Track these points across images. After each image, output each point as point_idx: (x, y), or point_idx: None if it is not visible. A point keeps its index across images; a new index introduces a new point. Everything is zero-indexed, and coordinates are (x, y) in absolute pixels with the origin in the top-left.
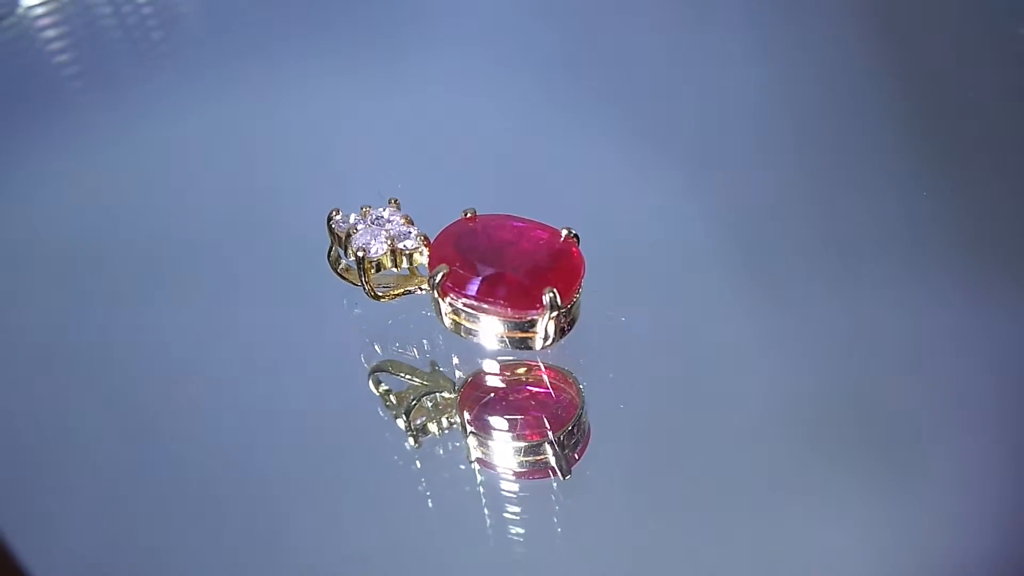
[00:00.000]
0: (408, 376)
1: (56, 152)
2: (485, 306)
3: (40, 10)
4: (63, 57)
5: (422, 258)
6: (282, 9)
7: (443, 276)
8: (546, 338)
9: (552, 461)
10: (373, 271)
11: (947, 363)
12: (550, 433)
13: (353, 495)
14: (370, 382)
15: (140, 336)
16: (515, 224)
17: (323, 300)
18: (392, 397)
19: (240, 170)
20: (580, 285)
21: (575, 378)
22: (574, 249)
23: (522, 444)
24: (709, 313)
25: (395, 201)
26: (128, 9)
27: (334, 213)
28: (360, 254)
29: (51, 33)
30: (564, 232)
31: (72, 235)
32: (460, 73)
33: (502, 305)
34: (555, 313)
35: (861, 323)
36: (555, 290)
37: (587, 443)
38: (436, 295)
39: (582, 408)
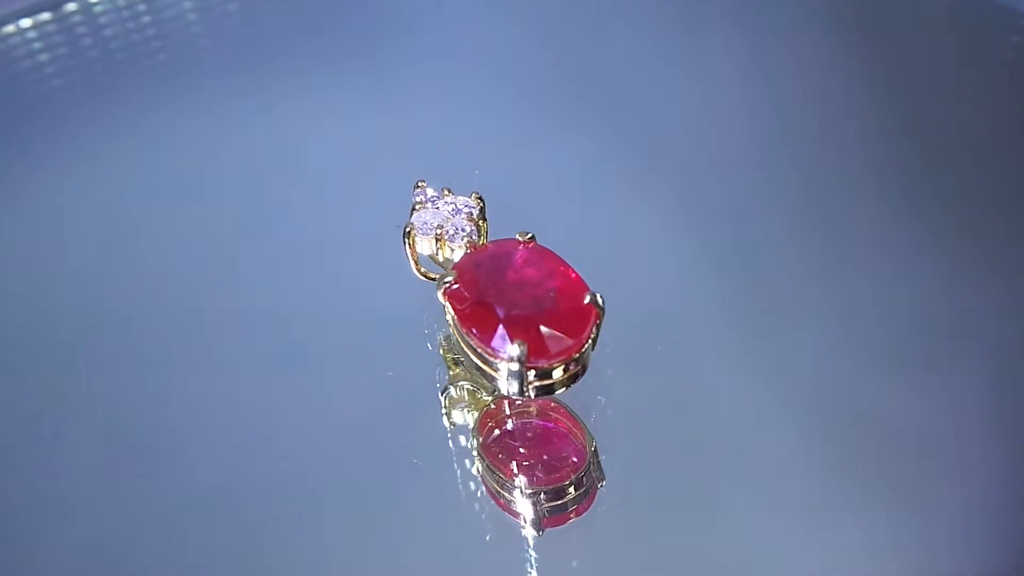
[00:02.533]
0: (457, 359)
1: (60, 159)
2: (463, 329)
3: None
4: (53, 72)
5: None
6: (269, 27)
7: (447, 282)
8: (512, 389)
9: (525, 512)
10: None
11: (948, 375)
12: (524, 486)
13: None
14: (440, 346)
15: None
16: (551, 268)
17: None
18: (450, 370)
19: (229, 184)
20: (571, 354)
21: (592, 440)
22: (587, 320)
23: (507, 482)
24: (700, 333)
25: (478, 197)
26: (117, 26)
27: (420, 182)
28: (408, 229)
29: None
30: (588, 297)
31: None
32: (447, 89)
33: (475, 336)
34: (518, 367)
35: (858, 340)
36: (526, 346)
37: (590, 502)
38: (439, 296)
39: (579, 473)
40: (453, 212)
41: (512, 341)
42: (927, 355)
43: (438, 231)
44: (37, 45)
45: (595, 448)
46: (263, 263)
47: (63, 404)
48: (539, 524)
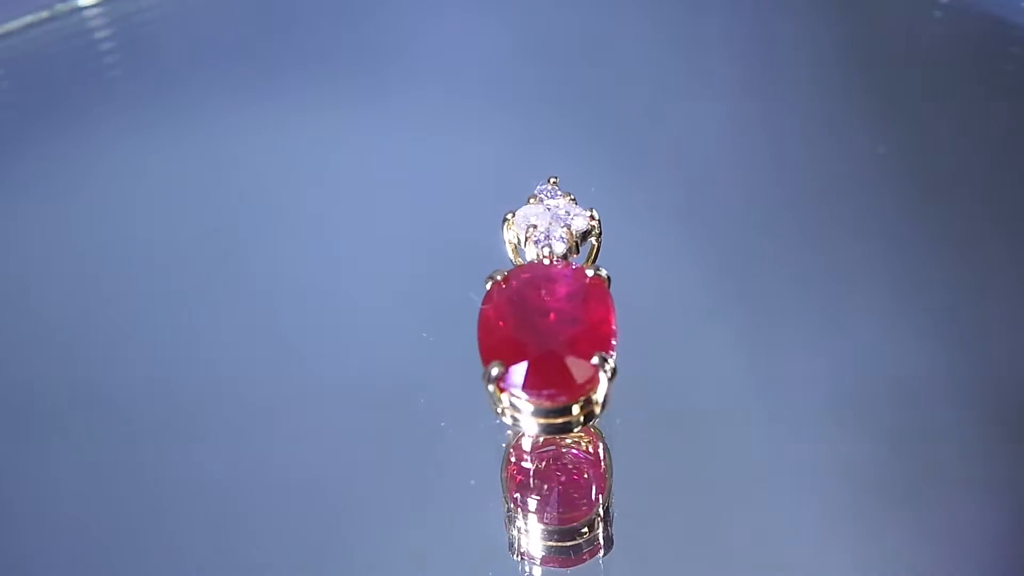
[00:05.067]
0: None
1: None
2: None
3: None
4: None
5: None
6: (262, 46)
7: (492, 282)
8: (499, 411)
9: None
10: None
11: (952, 397)
12: (511, 507)
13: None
14: None
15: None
16: (588, 312)
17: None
18: None
19: (229, 198)
20: (540, 403)
21: (606, 498)
22: (581, 381)
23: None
24: (701, 356)
25: (591, 216)
26: (104, 38)
27: (553, 178)
28: (508, 216)
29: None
30: (597, 358)
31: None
32: (443, 110)
33: (479, 334)
34: (492, 389)
35: (861, 360)
36: (503, 370)
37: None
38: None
39: (575, 525)
40: (559, 218)
41: (493, 360)
42: (935, 363)
43: (529, 229)
44: (41, 45)
45: (607, 508)
46: (263, 273)
47: (58, 415)
48: (517, 551)
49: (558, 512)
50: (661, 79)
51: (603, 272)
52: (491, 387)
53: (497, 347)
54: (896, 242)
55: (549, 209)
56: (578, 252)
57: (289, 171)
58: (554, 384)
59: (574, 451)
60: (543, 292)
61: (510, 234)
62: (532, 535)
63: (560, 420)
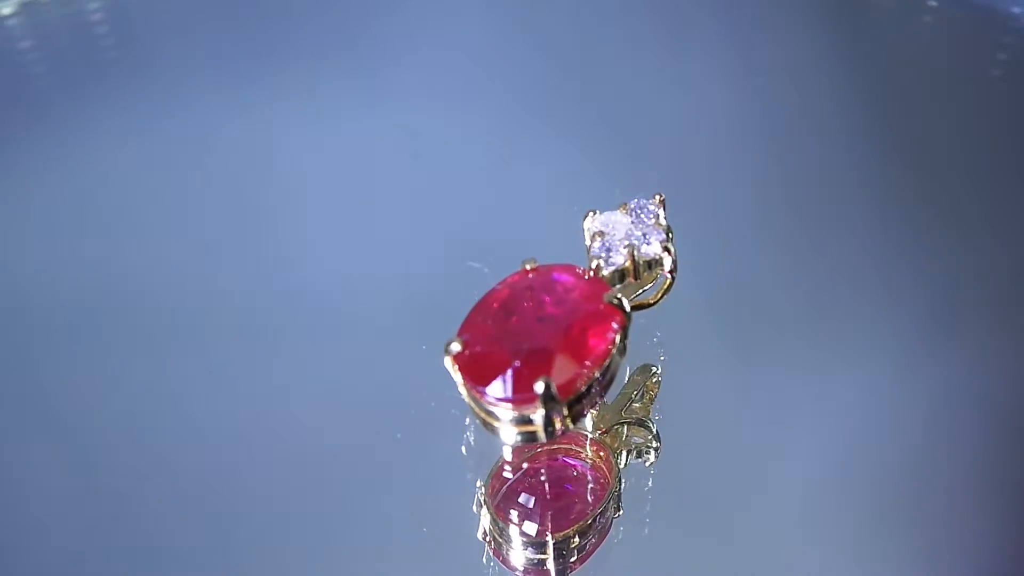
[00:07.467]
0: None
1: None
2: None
3: None
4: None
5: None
6: (252, 23)
7: (528, 266)
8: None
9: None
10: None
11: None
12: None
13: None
14: None
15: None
16: (577, 331)
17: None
18: None
19: (210, 185)
20: (493, 399)
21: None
22: (526, 395)
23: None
24: (701, 358)
25: (668, 246)
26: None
27: (659, 194)
28: (592, 213)
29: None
30: (541, 383)
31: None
32: (435, 93)
33: (474, 307)
34: (448, 360)
35: (852, 351)
36: (461, 347)
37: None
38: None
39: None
40: (631, 236)
41: (458, 336)
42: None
43: (595, 236)
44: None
45: (565, 540)
46: (244, 264)
47: (38, 405)
48: (483, 535)
49: (517, 515)
50: (660, 76)
51: (626, 306)
52: (447, 359)
53: (473, 325)
54: (893, 237)
55: (632, 224)
56: (636, 278)
57: (282, 164)
58: (499, 384)
59: (574, 463)
60: (552, 297)
61: (586, 233)
62: (494, 526)
63: (494, 422)
